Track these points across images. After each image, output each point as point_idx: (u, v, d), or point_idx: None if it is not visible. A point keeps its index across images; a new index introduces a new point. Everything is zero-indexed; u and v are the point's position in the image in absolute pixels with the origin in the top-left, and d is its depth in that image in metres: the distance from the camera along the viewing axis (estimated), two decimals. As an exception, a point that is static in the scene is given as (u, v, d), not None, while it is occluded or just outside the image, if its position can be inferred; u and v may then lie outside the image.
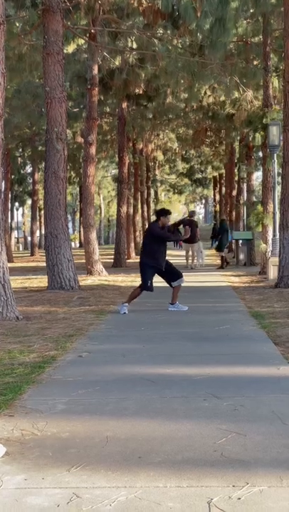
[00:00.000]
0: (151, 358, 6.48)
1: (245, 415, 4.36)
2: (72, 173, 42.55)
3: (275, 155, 16.86)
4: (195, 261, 24.03)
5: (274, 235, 16.98)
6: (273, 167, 16.95)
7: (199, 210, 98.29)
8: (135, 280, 17.57)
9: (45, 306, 11.41)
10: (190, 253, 24.14)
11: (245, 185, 26.99)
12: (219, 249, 24.01)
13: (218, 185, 52.06)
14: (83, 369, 6.00)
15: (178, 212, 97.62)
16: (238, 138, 28.39)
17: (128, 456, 3.61)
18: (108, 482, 3.25)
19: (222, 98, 24.54)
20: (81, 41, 20.50)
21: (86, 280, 17.16)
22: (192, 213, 26.37)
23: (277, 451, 3.64)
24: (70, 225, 78.78)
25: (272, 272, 16.11)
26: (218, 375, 5.60)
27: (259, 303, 11.34)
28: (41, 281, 16.98)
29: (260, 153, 24.46)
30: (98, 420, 4.32)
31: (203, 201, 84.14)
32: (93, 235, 19.55)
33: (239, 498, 3.01)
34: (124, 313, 10.23)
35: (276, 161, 16.90)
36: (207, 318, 9.60)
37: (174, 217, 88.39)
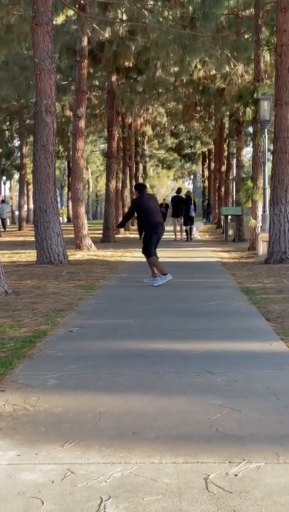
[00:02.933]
0: (142, 333, 6.44)
1: (239, 391, 4.33)
2: (60, 147, 42.22)
3: (266, 130, 16.74)
4: (181, 235, 25.76)
5: (264, 211, 16.93)
6: (264, 142, 16.83)
7: (188, 186, 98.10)
8: (124, 255, 17.53)
9: (34, 281, 11.32)
10: (178, 227, 25.88)
11: (234, 160, 26.87)
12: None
13: (207, 161, 51.95)
14: (74, 344, 5.95)
15: (166, 187, 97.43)
16: (228, 113, 28.21)
17: (122, 431, 3.57)
18: (103, 458, 3.20)
19: (213, 72, 24.32)
20: (70, 12, 20.17)
21: (75, 255, 17.07)
22: (179, 190, 27.63)
23: (272, 427, 3.61)
24: (58, 199, 78.52)
25: (262, 248, 16.09)
26: (211, 351, 5.57)
27: (249, 278, 11.31)
28: (30, 255, 16.86)
29: (251, 129, 24.36)
30: (91, 395, 4.28)
31: (192, 177, 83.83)
32: (82, 210, 19.43)
33: (236, 475, 2.97)
34: (158, 285, 10.43)
35: (267, 136, 16.78)
36: (198, 293, 9.56)
37: (162, 192, 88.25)
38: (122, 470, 3.04)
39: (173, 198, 26.38)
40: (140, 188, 11.44)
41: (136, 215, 11.02)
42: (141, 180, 50.00)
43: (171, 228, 25.90)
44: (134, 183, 41.95)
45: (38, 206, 14.22)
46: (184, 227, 25.76)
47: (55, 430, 3.62)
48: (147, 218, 10.80)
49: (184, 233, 25.74)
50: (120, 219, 31.25)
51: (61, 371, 4.92)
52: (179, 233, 25.87)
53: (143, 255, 11.09)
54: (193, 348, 5.66)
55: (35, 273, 12.61)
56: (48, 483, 2.93)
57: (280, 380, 4.61)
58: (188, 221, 25.38)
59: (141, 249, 11.25)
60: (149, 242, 10.83)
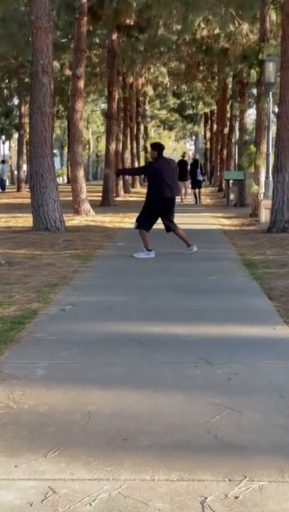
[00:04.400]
0: (139, 314, 6.11)
1: (240, 386, 4.02)
2: (60, 106, 41.49)
3: (271, 93, 16.19)
4: (188, 197, 27.57)
5: (267, 177, 16.50)
6: (268, 106, 16.31)
7: (189, 147, 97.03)
8: (123, 221, 17.16)
9: (29, 249, 10.99)
10: (183, 190, 27.19)
11: (237, 123, 26.30)
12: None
13: (209, 122, 51.15)
14: (66, 325, 5.63)
15: (167, 148, 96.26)
16: (232, 74, 27.51)
17: (112, 437, 3.26)
18: (89, 473, 2.89)
19: (216, 31, 23.51)
20: None
21: (73, 220, 16.69)
22: (184, 154, 29.70)
23: (276, 434, 3.30)
24: (57, 159, 77.53)
25: (264, 215, 15.72)
26: (210, 336, 5.25)
27: (251, 249, 10.97)
28: (26, 220, 16.46)
29: (254, 90, 23.75)
30: (81, 390, 3.96)
31: (193, 138, 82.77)
32: (81, 173, 18.97)
33: (236, 497, 2.66)
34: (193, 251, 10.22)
35: (271, 99, 16.23)
36: (197, 266, 9.22)
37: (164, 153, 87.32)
38: (109, 489, 2.73)
39: (178, 162, 27.04)
40: (159, 148, 10.29)
41: (147, 179, 10.39)
42: (142, 142, 49.30)
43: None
44: (134, 145, 41.36)
45: (34, 171, 13.79)
46: (191, 191, 27.47)
47: (39, 435, 3.31)
48: (160, 190, 9.98)
49: (191, 196, 27.40)
50: (121, 182, 30.91)
51: (50, 359, 4.60)
52: (186, 196, 27.40)
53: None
54: (192, 332, 5.34)
55: (31, 241, 12.26)
56: (26, 505, 2.62)
57: (284, 373, 4.29)
58: (196, 184, 26.83)
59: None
60: (149, 216, 10.23)
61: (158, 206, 10.12)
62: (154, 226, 10.46)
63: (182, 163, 27.21)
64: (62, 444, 3.19)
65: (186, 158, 28.46)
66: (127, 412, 3.59)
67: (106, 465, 2.96)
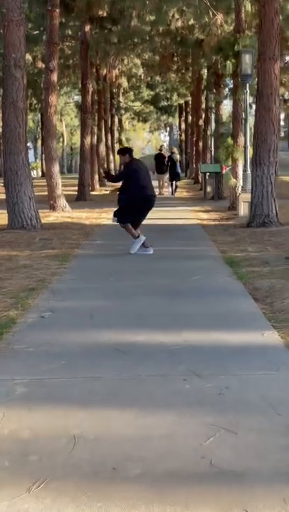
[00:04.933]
0: (121, 320, 5.88)
1: (233, 402, 3.81)
2: (33, 99, 40.99)
3: (248, 85, 15.99)
4: (165, 189, 28.40)
5: (244, 170, 16.33)
6: (245, 98, 16.11)
7: (164, 138, 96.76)
8: (100, 217, 16.91)
9: (5, 250, 10.69)
10: (161, 183, 28.31)
11: (213, 115, 26.09)
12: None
13: (184, 114, 50.90)
14: (46, 335, 5.38)
15: (142, 140, 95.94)
16: (206, 65, 27.28)
17: (100, 466, 3.04)
18: (77, 510, 2.67)
19: (191, 22, 23.30)
20: None
21: (49, 217, 16.39)
22: (161, 147, 31.07)
23: (275, 458, 3.10)
24: (31, 153, 76.75)
25: (243, 209, 15.58)
26: (197, 344, 5.04)
27: (232, 246, 10.79)
28: (2, 217, 16.13)
29: (228, 81, 23.59)
30: (64, 410, 3.73)
31: (168, 129, 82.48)
32: (56, 169, 18.66)
33: (238, 537, 2.46)
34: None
35: (248, 91, 16.04)
36: (178, 265, 9.01)
37: (138, 144, 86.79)
38: (100, 531, 2.52)
39: (156, 156, 28.56)
40: (128, 151, 10.28)
41: (124, 181, 10.06)
42: (116, 134, 48.91)
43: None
44: (109, 137, 41.00)
45: (8, 168, 13.45)
46: (167, 183, 28.31)
47: (22, 465, 3.07)
48: (140, 189, 9.86)
49: (167, 189, 28.22)
50: (96, 176, 30.58)
51: (31, 374, 4.36)
52: (163, 189, 28.21)
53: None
54: (177, 340, 5.13)
55: (7, 240, 11.96)
56: None
57: (277, 385, 4.10)
58: (175, 177, 27.34)
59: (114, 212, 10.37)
60: (130, 212, 10.02)
61: (140, 205, 9.95)
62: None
63: (160, 156, 27.70)
64: (46, 475, 2.96)
65: (163, 152, 28.87)
66: (114, 436, 3.37)
67: (95, 500, 2.74)
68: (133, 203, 9.93)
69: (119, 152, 10.62)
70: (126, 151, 10.32)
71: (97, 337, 5.30)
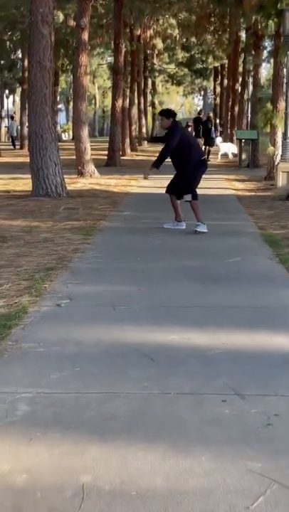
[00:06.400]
0: (148, 312, 5.09)
1: (285, 438, 3.02)
2: (65, 59, 39.96)
3: (291, 46, 14.84)
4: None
5: (285, 138, 15.29)
6: (288, 59, 14.96)
7: (198, 102, 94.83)
8: (129, 184, 16.10)
9: (26, 220, 9.96)
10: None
11: (251, 78, 24.88)
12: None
13: (220, 77, 49.33)
14: (61, 330, 4.64)
15: (175, 103, 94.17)
16: (245, 26, 25.96)
17: (114, 538, 2.29)
18: None
19: (231, -22, 21.98)
20: None
21: (76, 184, 15.59)
22: (200, 111, 29.58)
23: None
24: (64, 114, 75.70)
25: (282, 180, 14.63)
26: (238, 349, 4.25)
27: (271, 221, 9.92)
28: (27, 183, 15.32)
29: (267, 44, 22.37)
30: (73, 444, 2.98)
31: (202, 93, 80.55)
32: (85, 133, 17.75)
33: None
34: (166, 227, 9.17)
35: (292, 53, 14.89)
36: (213, 243, 8.17)
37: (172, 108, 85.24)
38: None
39: (194, 120, 27.46)
40: (172, 115, 8.92)
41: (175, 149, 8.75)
42: (149, 97, 47.74)
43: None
44: (142, 100, 39.87)
45: (33, 131, 12.64)
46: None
47: (11, 531, 2.34)
48: (190, 155, 8.77)
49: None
50: (128, 140, 29.56)
51: (37, 385, 3.62)
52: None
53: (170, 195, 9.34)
54: (214, 342, 4.35)
55: (29, 209, 11.23)
56: None
57: None
58: (209, 142, 25.91)
59: (178, 191, 9.16)
60: (195, 182, 9.06)
61: (197, 170, 9.01)
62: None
63: (198, 120, 26.60)
64: None
65: (202, 116, 27.61)
66: (135, 487, 2.61)
67: None
68: (194, 171, 8.98)
69: (162, 113, 9.18)
70: (171, 114, 8.94)
71: (119, 335, 4.53)
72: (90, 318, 4.93)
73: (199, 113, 28.88)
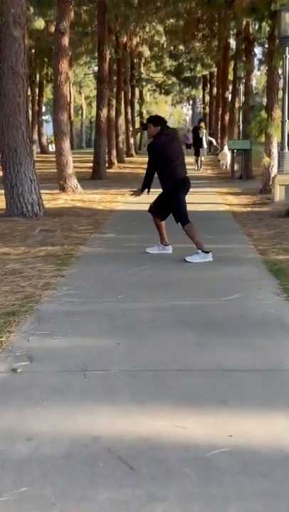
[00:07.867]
0: (129, 381, 3.91)
1: None
2: (49, 69, 39.09)
3: (287, 49, 13.76)
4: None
5: (281, 148, 14.20)
6: (285, 64, 13.86)
7: (186, 112, 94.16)
8: (115, 199, 14.97)
9: (-5, 245, 8.78)
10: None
11: (242, 86, 23.86)
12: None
13: (209, 85, 48.53)
14: (9, 417, 3.45)
15: (164, 113, 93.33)
16: (235, 31, 24.95)
17: None
18: None
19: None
20: None
21: (57, 200, 14.43)
22: (200, 122, 28.81)
23: None
24: (50, 126, 74.54)
25: (279, 193, 13.54)
26: (245, 447, 3.07)
27: (272, 243, 8.78)
28: (2, 200, 14.22)
29: (258, 50, 21.30)
30: None
31: (191, 102, 79.68)
32: (66, 145, 16.59)
33: None
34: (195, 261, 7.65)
35: (288, 56, 13.81)
36: (208, 273, 7.01)
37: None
38: None
39: (193, 129, 27.46)
40: (160, 122, 7.80)
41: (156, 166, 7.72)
42: (137, 107, 46.79)
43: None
44: (129, 110, 38.79)
45: (6, 144, 11.44)
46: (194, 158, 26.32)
47: None
48: (172, 172, 7.70)
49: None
50: (114, 152, 28.41)
51: None
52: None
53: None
54: (216, 433, 3.18)
55: (0, 231, 10.04)
56: None
57: None
58: (200, 152, 25.84)
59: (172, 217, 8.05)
60: (181, 204, 7.84)
61: (179, 188, 7.84)
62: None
63: (198, 130, 26.25)
64: None
65: (202, 125, 27.05)
66: None
67: None
68: (176, 189, 7.85)
69: (149, 120, 7.97)
70: (158, 121, 7.82)
71: (88, 423, 3.35)
72: (52, 394, 3.74)
73: (199, 122, 28.20)
